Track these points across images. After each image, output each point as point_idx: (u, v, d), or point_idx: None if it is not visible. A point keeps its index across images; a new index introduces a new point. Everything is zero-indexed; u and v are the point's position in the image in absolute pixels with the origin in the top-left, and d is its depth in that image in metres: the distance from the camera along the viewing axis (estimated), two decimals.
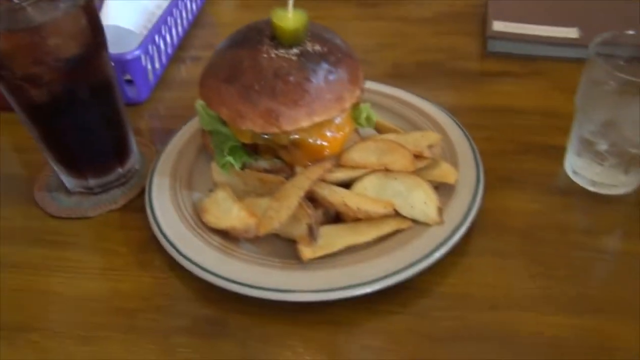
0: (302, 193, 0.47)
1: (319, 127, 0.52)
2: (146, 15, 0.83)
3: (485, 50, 0.80)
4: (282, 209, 0.47)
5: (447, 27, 0.88)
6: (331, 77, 0.50)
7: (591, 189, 0.55)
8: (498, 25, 0.81)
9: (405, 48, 0.85)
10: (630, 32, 0.53)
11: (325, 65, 0.50)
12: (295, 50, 0.50)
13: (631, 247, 0.50)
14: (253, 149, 0.55)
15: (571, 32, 0.79)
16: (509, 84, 0.74)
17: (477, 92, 0.74)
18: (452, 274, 0.48)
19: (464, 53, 0.82)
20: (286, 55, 0.50)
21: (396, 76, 0.78)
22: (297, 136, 0.52)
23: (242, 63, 0.50)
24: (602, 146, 0.52)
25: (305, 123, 0.49)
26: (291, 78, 0.48)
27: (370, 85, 0.68)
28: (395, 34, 0.90)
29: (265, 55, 0.50)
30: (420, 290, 0.47)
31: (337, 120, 0.54)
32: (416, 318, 0.45)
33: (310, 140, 0.53)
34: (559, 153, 0.60)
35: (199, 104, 0.57)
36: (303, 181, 0.48)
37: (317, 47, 0.51)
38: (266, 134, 0.52)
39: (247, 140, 0.53)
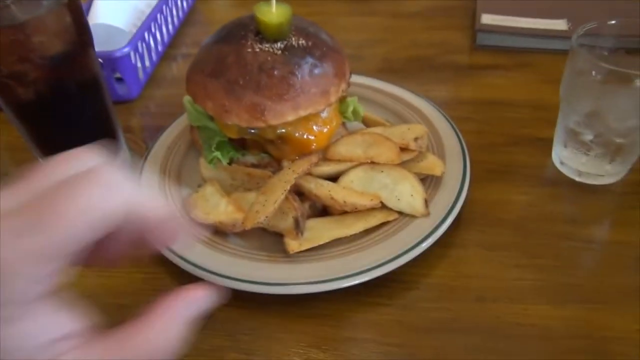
0: (288, 187, 0.47)
1: (305, 121, 0.52)
2: (136, 13, 0.83)
3: (475, 44, 0.80)
4: (269, 203, 0.47)
5: (438, 22, 0.89)
6: (316, 71, 0.50)
7: (577, 179, 0.56)
8: (486, 19, 0.81)
9: (396, 43, 0.85)
10: (613, 22, 0.53)
11: (310, 59, 0.50)
12: (279, 45, 0.50)
13: (618, 237, 0.50)
14: (240, 144, 0.56)
15: (559, 24, 0.79)
16: (498, 77, 0.74)
17: (467, 85, 0.74)
18: (440, 265, 0.49)
19: (454, 47, 0.82)
20: (270, 50, 0.50)
21: (387, 71, 0.78)
22: (283, 130, 0.52)
23: (226, 58, 0.50)
24: (588, 136, 0.53)
25: (290, 117, 0.49)
26: (276, 72, 0.49)
27: (358, 79, 0.68)
28: (385, 29, 0.90)
29: (249, 50, 0.50)
30: (408, 282, 0.47)
31: (324, 115, 0.54)
32: (403, 310, 0.45)
33: (297, 135, 0.53)
34: (547, 145, 0.60)
35: (187, 99, 0.57)
36: (289, 175, 0.48)
37: (302, 42, 0.51)
38: (252, 129, 0.52)
39: (233, 135, 0.53)
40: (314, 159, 0.50)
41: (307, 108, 0.50)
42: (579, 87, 0.52)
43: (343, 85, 0.53)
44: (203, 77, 0.51)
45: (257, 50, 0.50)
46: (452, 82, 0.76)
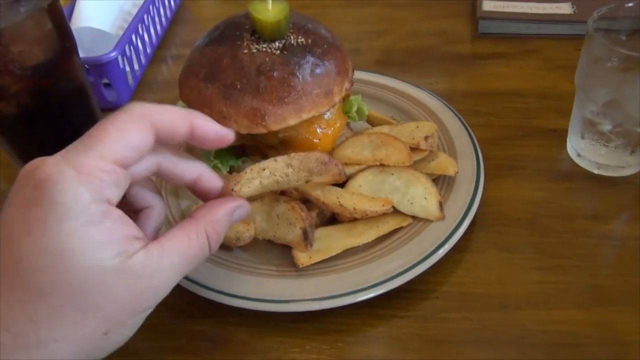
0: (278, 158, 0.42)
1: (308, 124, 0.49)
2: (122, 14, 0.79)
3: (477, 32, 0.77)
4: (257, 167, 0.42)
5: (437, 10, 0.85)
6: (318, 71, 0.47)
7: (596, 171, 0.53)
8: (488, 5, 0.78)
9: (395, 34, 0.82)
10: (630, 5, 0.50)
11: (310, 59, 0.47)
12: (277, 44, 0.47)
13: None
14: (240, 150, 0.53)
15: (564, 8, 0.76)
16: (502, 66, 0.72)
17: (470, 76, 0.71)
18: (456, 271, 0.46)
19: (455, 36, 0.79)
20: (268, 50, 0.47)
21: (387, 64, 0.75)
22: (285, 135, 0.49)
23: (221, 61, 0.47)
24: (606, 127, 0.50)
25: (293, 121, 0.46)
26: (275, 74, 0.45)
27: (360, 75, 0.65)
28: (383, 20, 0.87)
29: (245, 51, 0.47)
30: (425, 292, 0.45)
31: (327, 116, 0.51)
32: (421, 321, 0.43)
33: (300, 138, 0.50)
34: (560, 136, 0.58)
35: (181, 105, 0.54)
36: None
37: (301, 39, 0.48)
38: (253, 135, 0.49)
39: (234, 142, 0.50)
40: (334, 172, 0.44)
41: (310, 110, 0.47)
42: (596, 74, 0.49)
43: (346, 84, 0.50)
44: (197, 81, 0.48)
45: (254, 51, 0.47)
46: (455, 73, 0.73)
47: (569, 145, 0.56)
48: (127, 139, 0.30)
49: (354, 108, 0.54)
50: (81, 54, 0.68)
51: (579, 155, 0.54)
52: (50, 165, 0.28)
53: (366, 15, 0.88)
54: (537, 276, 0.45)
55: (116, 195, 0.30)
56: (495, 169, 0.55)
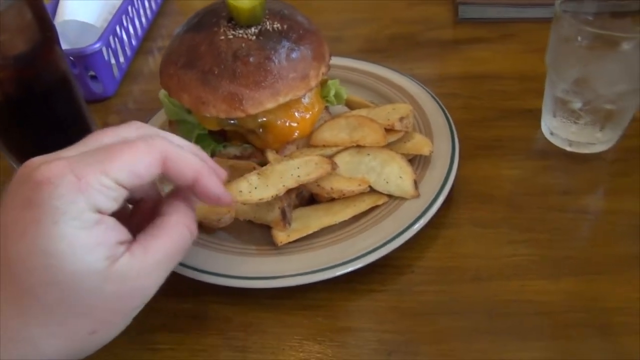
0: (282, 191, 0.45)
1: (286, 108, 0.51)
2: (107, 7, 0.80)
3: (457, 17, 0.78)
4: (256, 193, 0.45)
5: None
6: (294, 55, 0.48)
7: (568, 149, 0.55)
8: None
9: (378, 22, 0.83)
10: None
11: (286, 44, 0.48)
12: (253, 30, 0.48)
13: (611, 205, 0.49)
14: (221, 136, 0.54)
15: None
16: (482, 50, 0.73)
17: (451, 61, 0.73)
18: (433, 247, 0.47)
19: (437, 22, 0.80)
20: (244, 36, 0.48)
21: (370, 51, 0.76)
22: (264, 119, 0.50)
23: (199, 47, 0.48)
24: (576, 104, 0.51)
25: (270, 104, 0.47)
26: (251, 59, 0.47)
27: (339, 61, 0.66)
28: (366, 8, 0.87)
29: (222, 38, 0.48)
30: (401, 267, 0.46)
31: (305, 100, 0.52)
32: (397, 295, 0.44)
33: (279, 123, 0.51)
34: (536, 116, 0.59)
35: (163, 93, 0.55)
36: (292, 180, 0.45)
37: (277, 25, 0.49)
38: (232, 119, 0.50)
39: (213, 127, 0.51)
40: (324, 169, 0.46)
41: (286, 94, 0.48)
42: (565, 54, 0.50)
43: (323, 68, 0.51)
44: (176, 69, 0.49)
45: (231, 37, 0.48)
46: (437, 58, 0.74)
47: (542, 124, 0.57)
48: (136, 168, 0.31)
49: (332, 92, 0.56)
50: (68, 47, 0.70)
51: (552, 133, 0.55)
52: (52, 168, 0.29)
53: (349, 4, 0.89)
54: (510, 249, 0.46)
55: (110, 208, 0.31)
56: (473, 149, 0.56)
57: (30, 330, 0.30)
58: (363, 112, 0.54)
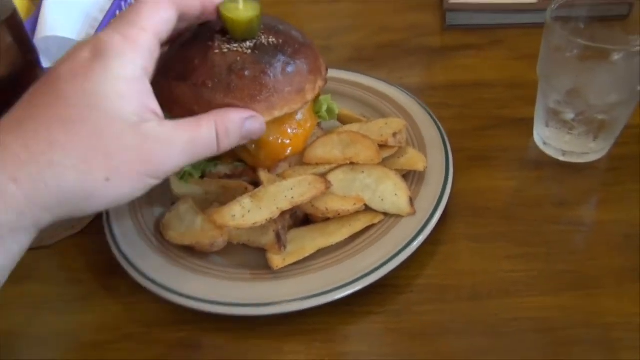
0: (277, 214, 0.44)
1: (279, 123, 0.49)
2: (89, 21, 0.78)
3: (445, 24, 0.78)
4: (249, 217, 0.44)
5: (405, 4, 0.86)
6: (289, 69, 0.47)
7: (562, 158, 0.54)
8: None
9: (365, 29, 0.82)
10: None
11: (282, 57, 0.47)
12: (249, 44, 0.47)
13: (607, 216, 0.49)
14: None
15: None
16: (471, 57, 0.72)
17: (440, 69, 0.72)
18: (430, 264, 0.47)
19: (425, 29, 0.80)
20: (239, 50, 0.46)
21: (358, 60, 0.76)
22: None
23: (192, 61, 0.47)
24: (569, 115, 0.51)
25: (265, 118, 0.46)
26: (246, 73, 0.45)
27: (329, 72, 0.65)
28: (353, 15, 0.87)
29: (217, 51, 0.46)
30: (399, 287, 0.45)
31: (298, 117, 0.51)
32: (396, 316, 0.44)
33: (271, 139, 0.50)
34: (528, 125, 0.59)
35: None
36: (285, 202, 0.45)
37: (272, 39, 0.48)
38: None
39: None
40: (317, 189, 0.46)
41: (282, 108, 0.46)
42: (557, 64, 0.50)
43: (320, 82, 0.50)
44: (168, 81, 0.47)
45: (225, 50, 0.46)
46: (426, 66, 0.73)
47: (535, 133, 0.57)
48: (161, 14, 0.37)
49: (324, 108, 0.55)
50: (49, 64, 0.68)
51: (545, 143, 0.55)
52: (101, 35, 0.36)
53: (336, 11, 0.88)
54: (508, 265, 0.46)
55: (150, 65, 0.37)
56: (467, 161, 0.56)
57: (54, 153, 0.32)
58: (355, 127, 0.53)
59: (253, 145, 0.50)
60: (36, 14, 0.75)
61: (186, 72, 0.47)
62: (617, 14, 0.60)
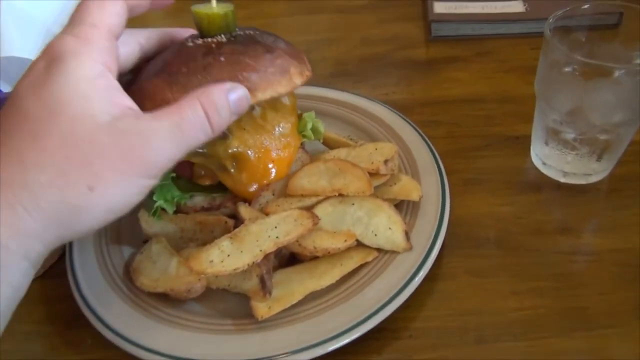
0: (260, 257, 0.40)
1: (260, 139, 0.45)
2: (49, 37, 0.72)
3: (430, 36, 0.75)
4: (230, 262, 0.39)
5: (387, 14, 0.82)
6: (269, 54, 0.42)
7: (562, 180, 0.51)
8: (439, 7, 0.76)
9: (346, 42, 0.78)
10: (585, 6, 0.48)
11: (261, 43, 0.43)
12: (225, 36, 0.43)
13: (616, 243, 0.46)
14: (187, 176, 0.47)
15: (516, 6, 0.75)
16: (459, 70, 0.69)
17: (427, 83, 0.69)
18: (430, 304, 0.43)
19: (409, 41, 0.76)
20: (215, 40, 0.42)
21: (340, 75, 0.72)
22: (236, 149, 0.45)
23: (165, 58, 0.42)
24: (570, 135, 0.48)
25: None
26: (222, 58, 0.41)
27: (310, 90, 0.62)
28: (333, 28, 0.83)
29: (191, 44, 0.42)
30: (397, 330, 0.41)
31: (280, 129, 0.46)
32: None
33: (252, 157, 0.45)
34: (524, 143, 0.56)
35: None
36: (269, 243, 0.40)
37: (250, 32, 0.44)
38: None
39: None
40: (304, 226, 0.41)
41: (265, 89, 0.41)
42: (557, 82, 0.47)
43: (305, 71, 0.45)
44: (139, 81, 0.42)
45: (200, 42, 0.42)
46: (411, 81, 0.70)
47: (533, 153, 0.54)
48: (108, 9, 0.35)
49: (309, 126, 0.50)
50: (8, 87, 0.62)
51: (544, 163, 0.52)
52: (53, 42, 0.33)
53: (315, 23, 0.84)
54: (514, 302, 0.42)
55: (110, 60, 0.34)
56: (461, 185, 0.52)
57: (27, 173, 0.30)
58: (342, 153, 0.49)
59: (234, 164, 0.46)
60: None
61: (159, 68, 0.42)
62: (607, 22, 0.57)
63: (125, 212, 0.34)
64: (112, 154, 0.32)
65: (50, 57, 0.33)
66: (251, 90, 0.40)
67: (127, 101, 0.34)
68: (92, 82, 0.33)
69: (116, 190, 0.32)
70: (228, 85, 0.38)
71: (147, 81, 0.41)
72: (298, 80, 0.44)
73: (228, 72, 0.40)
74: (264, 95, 0.41)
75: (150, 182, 0.34)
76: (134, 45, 0.41)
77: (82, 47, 0.33)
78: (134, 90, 0.41)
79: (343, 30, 0.81)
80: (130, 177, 0.32)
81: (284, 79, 0.43)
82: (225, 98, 0.37)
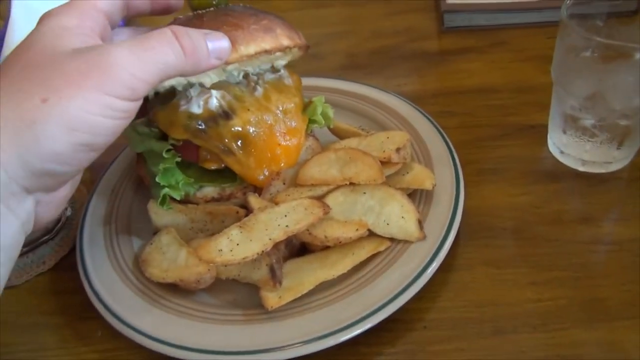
0: (269, 246, 0.39)
1: (263, 115, 0.45)
2: None
3: (442, 27, 0.73)
4: (239, 251, 0.38)
5: (398, 6, 0.81)
6: (255, 17, 0.43)
7: (581, 169, 0.50)
8: None
9: (358, 35, 0.77)
10: None
11: (248, 10, 0.44)
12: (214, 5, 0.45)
13: (636, 232, 0.44)
14: (194, 158, 0.46)
15: None
16: (473, 61, 0.68)
17: (440, 74, 0.68)
18: (444, 294, 0.42)
19: (421, 32, 0.75)
20: (203, 10, 0.44)
21: (351, 68, 0.71)
22: (240, 129, 0.44)
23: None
24: (589, 121, 0.47)
25: (232, 55, 0.41)
26: (205, 18, 0.42)
27: (321, 81, 0.61)
28: (344, 20, 0.82)
29: (181, 17, 0.44)
30: (411, 321, 0.40)
31: (288, 106, 0.46)
32: (411, 356, 0.38)
33: (256, 136, 0.44)
34: (540, 132, 0.54)
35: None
36: (279, 232, 0.39)
37: (241, 4, 0.45)
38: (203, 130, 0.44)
39: (179, 135, 0.44)
40: (315, 215, 0.40)
41: (248, 43, 0.41)
42: (574, 67, 0.45)
43: (294, 37, 0.45)
44: None
45: (191, 14, 0.44)
46: (424, 72, 0.69)
47: (550, 142, 0.52)
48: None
49: (318, 110, 0.49)
50: None
51: (561, 152, 0.50)
52: (49, 10, 0.35)
53: (326, 16, 0.83)
54: (532, 293, 0.41)
55: (96, 26, 0.35)
56: (476, 175, 0.51)
57: None
58: (353, 142, 0.48)
59: (240, 143, 0.45)
60: (4, 31, 0.70)
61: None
62: (626, 9, 0.55)
63: (93, 136, 0.32)
64: (69, 69, 0.31)
65: (40, 21, 0.34)
66: (233, 43, 0.40)
67: (99, 42, 0.35)
68: (67, 29, 0.33)
69: (71, 102, 0.31)
70: (206, 30, 0.37)
71: None
72: (285, 40, 0.44)
73: (209, 27, 0.40)
74: (247, 49, 0.41)
75: (118, 103, 0.32)
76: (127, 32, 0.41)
77: (63, 8, 0.35)
78: None
79: (354, 23, 0.80)
80: (88, 91, 0.31)
81: (268, 35, 0.43)
82: (200, 35, 0.36)
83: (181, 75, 0.36)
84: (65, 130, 0.31)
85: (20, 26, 0.69)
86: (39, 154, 0.31)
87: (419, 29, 0.76)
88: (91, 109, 0.31)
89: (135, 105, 0.34)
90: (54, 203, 0.35)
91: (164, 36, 0.34)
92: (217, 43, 0.37)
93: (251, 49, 0.41)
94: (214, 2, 0.45)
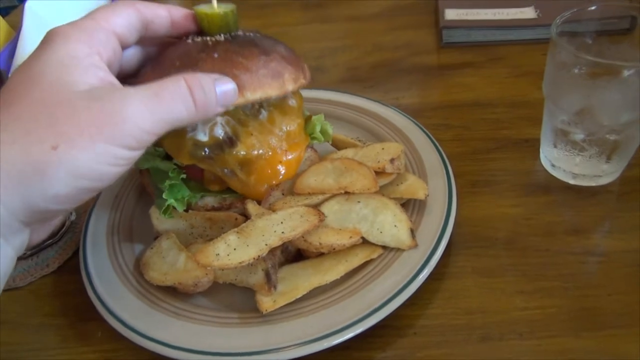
0: (265, 251, 0.40)
1: (266, 137, 0.46)
2: None
3: (441, 42, 0.75)
4: (236, 255, 0.40)
5: (399, 22, 0.83)
6: (264, 56, 0.43)
7: (572, 182, 0.51)
8: (450, 14, 0.76)
9: (359, 49, 0.79)
10: (592, 8, 0.48)
11: (258, 47, 0.43)
12: (224, 35, 0.44)
13: (627, 244, 0.45)
14: (198, 180, 0.48)
15: (528, 12, 0.75)
16: (470, 75, 0.70)
17: (438, 88, 0.69)
18: (435, 302, 0.43)
19: (420, 47, 0.77)
20: (213, 38, 0.43)
21: (352, 81, 0.73)
22: (244, 153, 0.46)
23: (164, 53, 0.43)
24: (578, 136, 0.48)
25: (238, 100, 0.41)
26: (216, 54, 0.41)
27: (321, 93, 0.63)
28: (346, 35, 0.84)
29: (189, 41, 0.43)
30: (401, 327, 0.41)
31: (289, 127, 0.47)
32: None
33: (259, 159, 0.46)
34: (533, 146, 0.55)
35: None
36: (275, 237, 0.41)
37: (250, 34, 0.45)
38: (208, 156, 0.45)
39: (185, 160, 0.46)
40: (310, 222, 0.42)
41: (255, 90, 0.42)
42: (564, 83, 0.47)
43: (300, 77, 0.46)
44: (137, 75, 0.44)
45: (198, 40, 0.43)
46: (422, 86, 0.70)
47: (542, 155, 0.53)
48: (117, 11, 0.37)
49: (318, 128, 0.51)
50: None
51: (553, 165, 0.52)
52: (57, 28, 0.35)
53: (328, 31, 0.85)
54: (521, 301, 0.42)
55: (105, 52, 0.35)
56: (470, 186, 0.52)
57: None
58: (350, 152, 0.50)
59: (241, 168, 0.46)
60: (15, 39, 0.72)
61: (155, 62, 0.43)
62: (619, 27, 0.57)
63: (97, 182, 0.33)
64: (82, 117, 0.31)
65: (46, 39, 0.34)
66: (240, 88, 0.41)
67: (110, 78, 0.34)
68: (77, 59, 0.33)
69: (82, 153, 0.31)
70: (216, 75, 0.38)
71: (142, 74, 0.43)
72: (290, 86, 0.44)
73: (219, 68, 0.41)
74: (253, 95, 0.42)
75: (124, 153, 0.32)
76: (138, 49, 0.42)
77: (73, 31, 0.34)
78: (131, 82, 0.43)
79: (355, 38, 0.82)
80: (99, 142, 0.31)
81: (275, 82, 0.43)
82: (211, 82, 0.37)
83: (187, 124, 0.37)
84: (72, 177, 0.31)
85: (31, 37, 0.71)
86: (43, 197, 0.31)
87: (418, 44, 0.78)
88: (101, 161, 0.32)
89: (140, 153, 0.34)
90: (45, 228, 0.37)
91: (178, 90, 0.34)
92: (224, 88, 0.38)
93: (257, 95, 0.42)
94: (226, 25, 0.45)
